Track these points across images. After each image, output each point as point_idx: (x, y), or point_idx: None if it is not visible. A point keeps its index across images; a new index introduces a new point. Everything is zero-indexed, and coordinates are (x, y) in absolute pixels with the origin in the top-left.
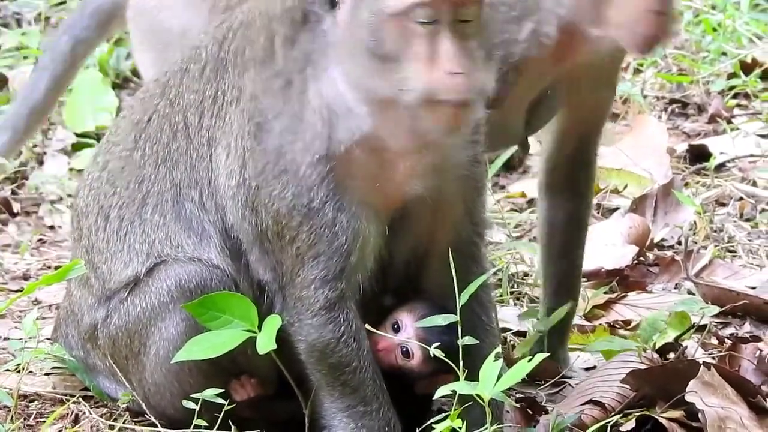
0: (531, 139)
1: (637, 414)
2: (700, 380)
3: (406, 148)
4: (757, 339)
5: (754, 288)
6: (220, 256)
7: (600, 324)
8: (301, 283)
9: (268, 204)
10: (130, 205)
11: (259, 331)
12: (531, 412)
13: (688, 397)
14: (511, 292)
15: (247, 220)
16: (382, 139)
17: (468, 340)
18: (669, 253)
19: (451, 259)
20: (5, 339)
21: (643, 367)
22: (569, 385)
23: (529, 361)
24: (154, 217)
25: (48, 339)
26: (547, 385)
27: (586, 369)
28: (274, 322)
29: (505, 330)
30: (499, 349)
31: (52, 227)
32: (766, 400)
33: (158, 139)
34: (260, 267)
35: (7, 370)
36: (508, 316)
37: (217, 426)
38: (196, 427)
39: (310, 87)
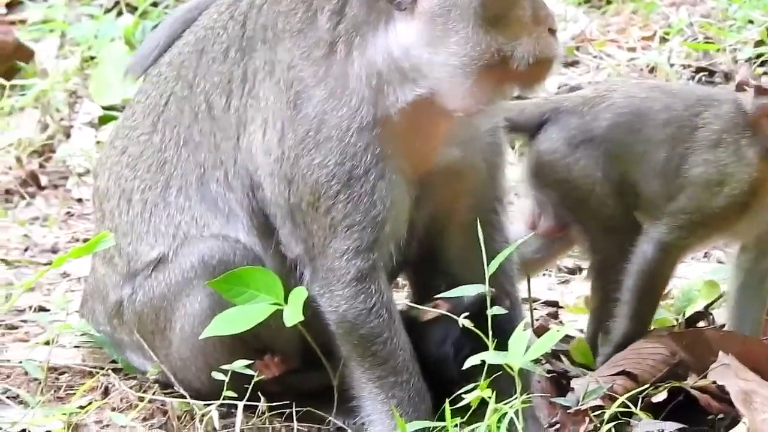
0: None
1: (669, 386)
2: (725, 354)
3: (467, 109)
4: None
5: None
6: (248, 235)
7: None
8: (333, 254)
9: (307, 173)
10: (153, 188)
11: (286, 304)
12: (564, 383)
13: (711, 375)
14: None
15: (282, 194)
16: (434, 102)
17: (497, 310)
18: None
19: (479, 228)
20: (35, 312)
21: (678, 333)
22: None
23: (558, 331)
24: (179, 200)
25: (77, 312)
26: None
27: None
28: (300, 294)
29: (534, 300)
30: (528, 318)
31: (79, 200)
32: None
33: (179, 121)
34: (292, 240)
35: (37, 343)
36: (537, 286)
37: (246, 398)
38: (226, 398)
39: (355, 55)
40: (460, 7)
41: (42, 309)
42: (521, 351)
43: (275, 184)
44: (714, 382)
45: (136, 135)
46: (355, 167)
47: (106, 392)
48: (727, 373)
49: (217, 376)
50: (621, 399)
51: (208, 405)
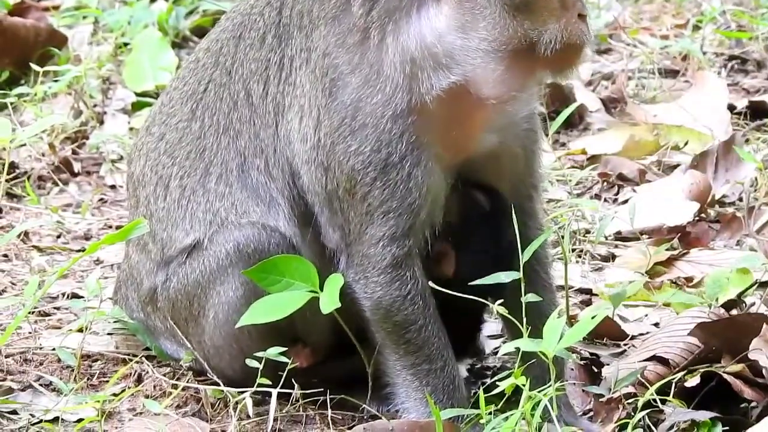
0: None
1: (702, 370)
2: (763, 337)
3: (499, 96)
4: None
5: None
6: (288, 224)
7: (663, 281)
8: (369, 240)
9: (343, 161)
10: (192, 175)
11: (321, 292)
12: (596, 370)
13: (752, 354)
14: (573, 250)
15: (319, 181)
16: (469, 89)
17: (531, 297)
18: (730, 209)
19: (514, 216)
20: (68, 299)
21: (710, 320)
22: (633, 345)
23: (593, 318)
24: (219, 187)
25: (110, 299)
26: (610, 344)
27: (653, 325)
28: (336, 281)
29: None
30: (563, 306)
31: (113, 187)
32: None
33: (218, 108)
34: (329, 228)
35: (71, 330)
36: (570, 273)
37: (279, 385)
38: (260, 385)
39: (389, 42)
40: None
41: (75, 296)
42: (555, 339)
43: (312, 172)
44: (748, 365)
45: (174, 122)
46: (391, 154)
47: (139, 380)
48: (767, 352)
49: (251, 363)
50: (654, 387)
51: (242, 392)
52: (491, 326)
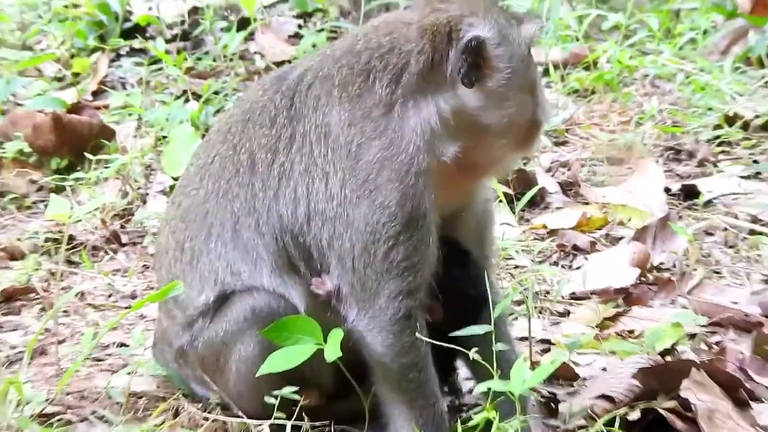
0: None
1: (642, 406)
2: (692, 379)
3: (495, 166)
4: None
5: (736, 303)
6: (272, 277)
7: (610, 333)
8: (387, 295)
9: (369, 214)
10: (199, 237)
11: (325, 344)
12: (554, 406)
13: (683, 393)
14: (535, 307)
15: (340, 237)
16: (472, 157)
17: (501, 346)
18: (666, 274)
19: (486, 276)
20: (117, 347)
21: (648, 365)
22: (584, 385)
23: (552, 363)
24: (217, 247)
25: (151, 347)
26: (566, 384)
27: (601, 369)
28: (338, 335)
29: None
30: (526, 353)
31: (153, 255)
32: (747, 395)
33: (220, 175)
34: (341, 283)
35: (126, 372)
36: (533, 326)
37: (293, 418)
38: (276, 419)
39: (411, 114)
40: (521, 81)
41: (123, 345)
42: (521, 380)
43: (335, 227)
44: (680, 402)
45: (187, 191)
46: (416, 208)
47: (176, 414)
48: (695, 392)
49: (269, 400)
50: (602, 420)
51: (262, 424)
52: (465, 371)
